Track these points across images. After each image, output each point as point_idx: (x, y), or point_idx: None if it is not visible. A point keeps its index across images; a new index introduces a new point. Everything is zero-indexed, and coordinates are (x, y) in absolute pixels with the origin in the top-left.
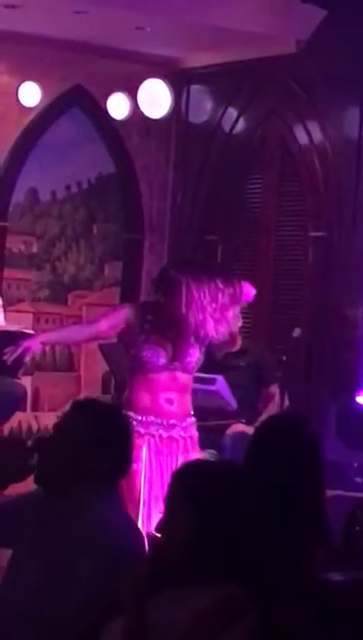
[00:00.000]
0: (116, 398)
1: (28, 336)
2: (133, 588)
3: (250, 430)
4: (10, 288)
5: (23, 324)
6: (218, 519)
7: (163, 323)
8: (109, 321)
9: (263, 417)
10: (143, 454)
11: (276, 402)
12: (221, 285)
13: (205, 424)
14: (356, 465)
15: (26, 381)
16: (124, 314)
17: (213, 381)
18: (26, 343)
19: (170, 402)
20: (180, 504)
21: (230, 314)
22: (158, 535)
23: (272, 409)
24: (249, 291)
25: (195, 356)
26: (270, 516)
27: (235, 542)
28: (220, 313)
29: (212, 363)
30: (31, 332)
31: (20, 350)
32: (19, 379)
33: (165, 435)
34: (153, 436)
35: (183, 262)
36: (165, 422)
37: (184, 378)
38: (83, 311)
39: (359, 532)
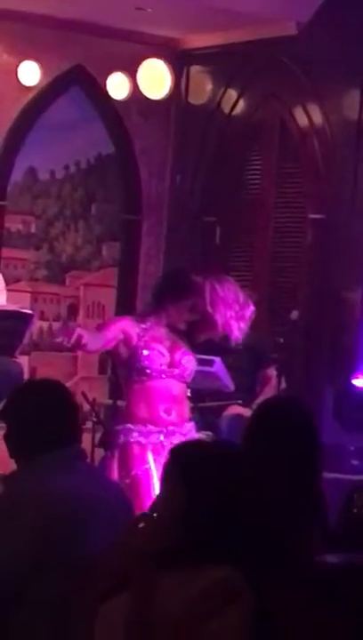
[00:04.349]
0: (112, 379)
1: (25, 315)
2: (141, 565)
3: (247, 412)
4: (8, 267)
5: (21, 303)
6: (208, 498)
7: (159, 331)
8: (111, 332)
9: (260, 399)
10: (150, 458)
11: (273, 384)
12: (236, 284)
13: (201, 405)
14: (352, 448)
15: (23, 361)
16: (121, 325)
17: (210, 363)
18: (79, 330)
19: (168, 412)
20: (171, 482)
21: (248, 312)
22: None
23: (269, 391)
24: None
25: (191, 363)
26: (266, 498)
27: (227, 523)
28: (241, 310)
29: (210, 344)
30: (29, 311)
31: (75, 336)
32: (16, 358)
33: (166, 442)
34: (155, 444)
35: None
36: (164, 430)
37: (180, 387)
38: (80, 291)
39: (356, 514)
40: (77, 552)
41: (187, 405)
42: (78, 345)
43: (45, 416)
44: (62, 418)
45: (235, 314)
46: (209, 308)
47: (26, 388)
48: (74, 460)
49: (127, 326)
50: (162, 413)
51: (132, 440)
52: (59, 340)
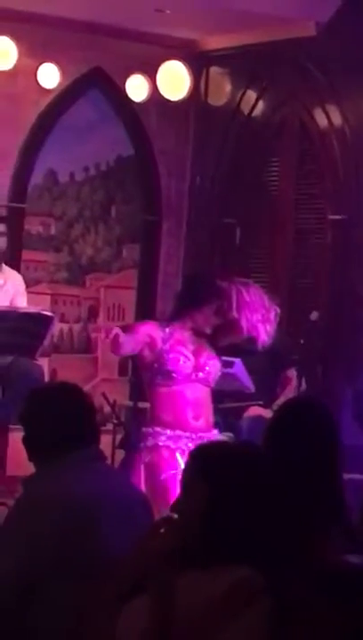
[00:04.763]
0: (133, 381)
1: (46, 317)
2: (161, 566)
3: (267, 413)
4: (28, 270)
5: (41, 305)
6: (229, 498)
7: (184, 334)
8: (140, 335)
9: (281, 400)
10: (179, 461)
11: (293, 385)
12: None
13: (222, 406)
14: None
15: (43, 363)
16: (146, 328)
17: (230, 364)
18: (117, 329)
19: (197, 418)
20: (193, 483)
21: (273, 315)
22: (174, 515)
23: (290, 392)
24: None
25: (216, 366)
26: (286, 498)
27: (247, 523)
28: (267, 313)
29: (230, 346)
30: (49, 313)
31: (113, 333)
32: (36, 360)
33: None
34: (183, 450)
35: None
36: (193, 436)
37: (205, 391)
38: (100, 293)
39: None
40: (98, 553)
41: (212, 410)
42: (116, 342)
43: (62, 419)
44: (80, 420)
45: (261, 317)
46: (235, 313)
47: (42, 392)
48: (93, 461)
49: (152, 330)
50: (191, 420)
51: (161, 443)
52: (97, 333)
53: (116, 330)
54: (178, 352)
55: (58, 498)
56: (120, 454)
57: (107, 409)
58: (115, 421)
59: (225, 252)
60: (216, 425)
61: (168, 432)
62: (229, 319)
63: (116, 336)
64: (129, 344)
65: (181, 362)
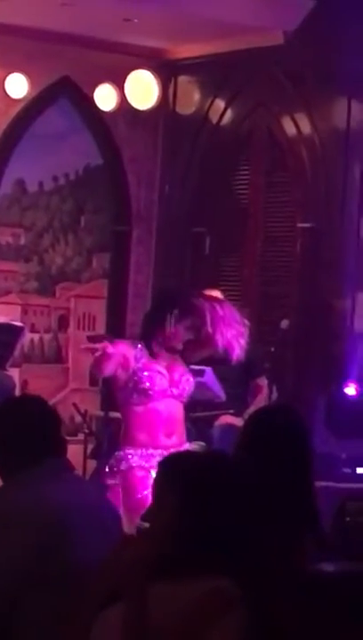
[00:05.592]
0: (104, 391)
1: (16, 328)
2: (135, 575)
3: (238, 422)
4: None
5: (11, 315)
6: (201, 507)
7: (156, 351)
8: (116, 356)
9: (251, 409)
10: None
11: (264, 394)
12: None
13: (193, 415)
14: (344, 456)
15: (14, 373)
16: (120, 348)
17: (201, 373)
18: (106, 342)
19: (169, 435)
20: (164, 492)
21: (245, 329)
22: (146, 524)
23: (261, 401)
24: None
25: (190, 382)
26: (259, 507)
27: (220, 532)
28: (239, 327)
29: None
30: (19, 324)
31: (101, 350)
32: (7, 370)
33: None
34: (155, 468)
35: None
36: (165, 453)
37: (179, 407)
38: (71, 303)
39: (349, 522)
40: (73, 563)
41: (184, 425)
42: (106, 356)
43: (28, 432)
44: (45, 432)
45: (235, 332)
46: (209, 329)
47: (4, 406)
48: (62, 471)
49: (125, 349)
50: (163, 438)
51: (134, 464)
52: (83, 346)
53: (105, 343)
54: (152, 369)
55: (30, 509)
56: (92, 464)
57: (78, 419)
58: (86, 431)
59: (195, 261)
60: (188, 433)
61: (140, 451)
62: (203, 335)
63: (104, 347)
64: (112, 363)
65: (157, 379)
